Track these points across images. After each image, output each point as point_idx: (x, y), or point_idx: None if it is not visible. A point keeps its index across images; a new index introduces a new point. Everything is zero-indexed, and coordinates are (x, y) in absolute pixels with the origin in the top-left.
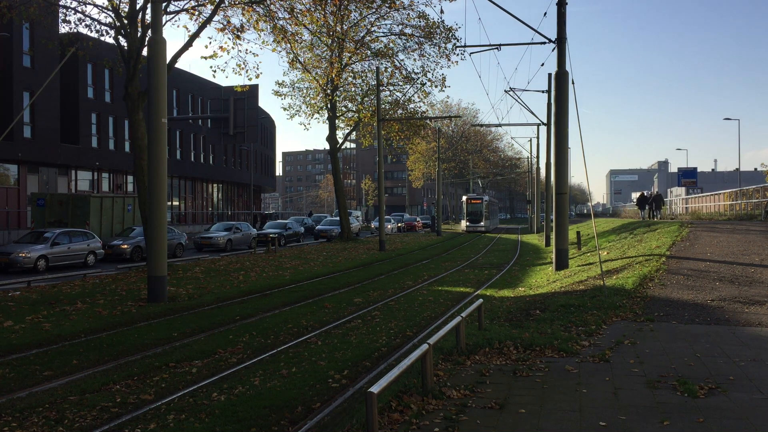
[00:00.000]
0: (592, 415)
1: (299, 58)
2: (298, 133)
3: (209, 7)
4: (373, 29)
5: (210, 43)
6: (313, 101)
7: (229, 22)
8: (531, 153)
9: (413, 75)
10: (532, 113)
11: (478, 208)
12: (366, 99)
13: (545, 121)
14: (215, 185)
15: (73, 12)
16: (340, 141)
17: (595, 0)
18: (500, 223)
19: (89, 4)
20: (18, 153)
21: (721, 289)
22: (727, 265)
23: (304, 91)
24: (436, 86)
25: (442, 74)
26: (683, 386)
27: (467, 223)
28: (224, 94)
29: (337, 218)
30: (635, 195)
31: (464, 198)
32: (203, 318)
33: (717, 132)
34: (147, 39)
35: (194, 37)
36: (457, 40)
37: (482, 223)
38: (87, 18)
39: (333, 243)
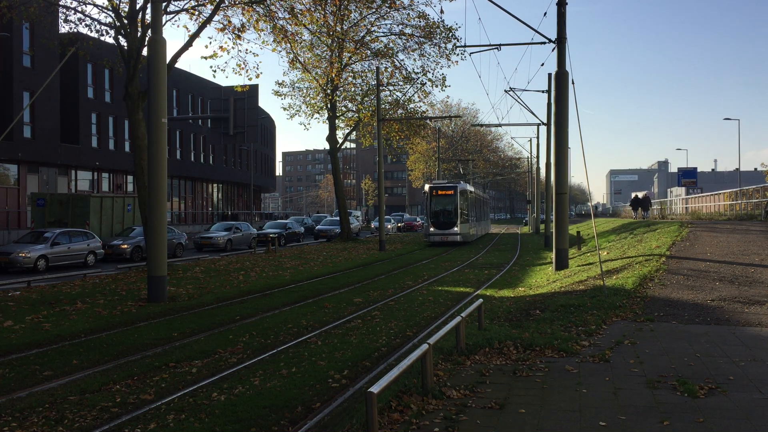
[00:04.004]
0: (592, 415)
1: (299, 58)
2: (298, 133)
3: (209, 7)
4: (373, 29)
5: (210, 43)
6: (313, 101)
7: (229, 22)
8: (531, 153)
9: (413, 75)
10: (532, 113)
11: (448, 204)
12: (366, 99)
13: (545, 121)
14: (215, 185)
15: (73, 12)
16: (340, 141)
17: (595, 0)
18: (494, 224)
19: (89, 4)
20: (18, 153)
21: (721, 289)
22: (727, 265)
23: (304, 91)
24: (436, 86)
25: (442, 74)
26: (683, 386)
27: (431, 229)
28: (224, 94)
29: (337, 218)
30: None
31: (426, 187)
32: (203, 318)
33: (717, 132)
34: (147, 39)
35: (194, 37)
36: (457, 40)
37: (455, 229)
38: (87, 18)
39: (333, 243)
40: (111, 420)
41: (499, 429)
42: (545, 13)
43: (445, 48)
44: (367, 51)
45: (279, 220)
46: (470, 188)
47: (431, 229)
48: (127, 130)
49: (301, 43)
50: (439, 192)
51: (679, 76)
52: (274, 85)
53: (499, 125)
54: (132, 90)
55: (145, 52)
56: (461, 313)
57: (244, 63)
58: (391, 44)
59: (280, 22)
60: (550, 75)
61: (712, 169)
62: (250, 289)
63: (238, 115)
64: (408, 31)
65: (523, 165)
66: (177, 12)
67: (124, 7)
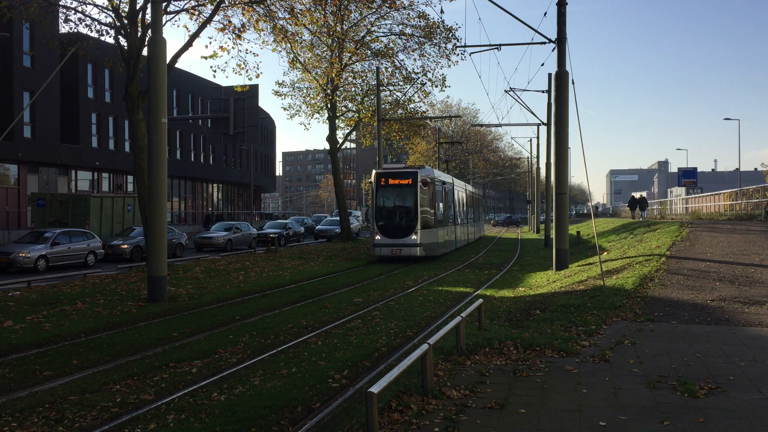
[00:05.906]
0: (592, 415)
1: (299, 58)
2: (298, 133)
3: (209, 7)
4: (373, 29)
5: (210, 43)
6: (313, 101)
7: (229, 22)
8: (531, 153)
9: (413, 75)
10: (532, 113)
11: (404, 199)
12: (366, 99)
13: (545, 121)
14: (215, 185)
15: (73, 12)
16: (340, 141)
17: (595, 0)
18: (489, 226)
19: (89, 4)
20: (18, 153)
21: (721, 289)
22: (727, 265)
23: (304, 91)
24: (436, 86)
25: (443, 74)
26: (683, 386)
27: (377, 237)
28: (224, 94)
29: (337, 218)
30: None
31: (373, 175)
32: (203, 318)
33: (717, 132)
34: (147, 39)
35: (194, 37)
36: (458, 40)
37: (413, 237)
38: (87, 18)
39: (333, 243)
40: (111, 420)
41: (499, 429)
42: (545, 13)
43: (445, 48)
44: (367, 51)
45: (279, 220)
46: (442, 177)
47: (377, 237)
48: (127, 130)
49: (301, 43)
50: (390, 181)
51: (679, 76)
52: (274, 85)
53: (499, 125)
54: (132, 90)
55: (145, 52)
56: (461, 313)
57: (244, 63)
58: (391, 44)
59: (280, 22)
60: (550, 75)
61: (712, 169)
62: (250, 289)
63: (238, 115)
64: (408, 31)
65: (523, 165)
66: (177, 12)
67: (124, 7)
